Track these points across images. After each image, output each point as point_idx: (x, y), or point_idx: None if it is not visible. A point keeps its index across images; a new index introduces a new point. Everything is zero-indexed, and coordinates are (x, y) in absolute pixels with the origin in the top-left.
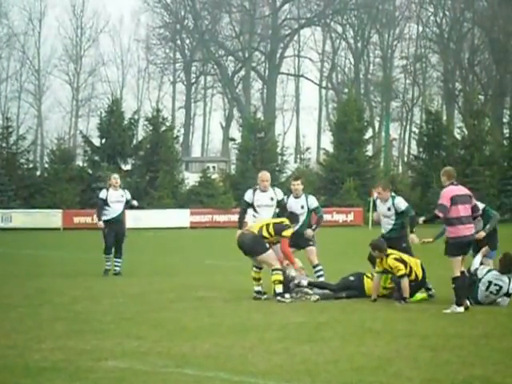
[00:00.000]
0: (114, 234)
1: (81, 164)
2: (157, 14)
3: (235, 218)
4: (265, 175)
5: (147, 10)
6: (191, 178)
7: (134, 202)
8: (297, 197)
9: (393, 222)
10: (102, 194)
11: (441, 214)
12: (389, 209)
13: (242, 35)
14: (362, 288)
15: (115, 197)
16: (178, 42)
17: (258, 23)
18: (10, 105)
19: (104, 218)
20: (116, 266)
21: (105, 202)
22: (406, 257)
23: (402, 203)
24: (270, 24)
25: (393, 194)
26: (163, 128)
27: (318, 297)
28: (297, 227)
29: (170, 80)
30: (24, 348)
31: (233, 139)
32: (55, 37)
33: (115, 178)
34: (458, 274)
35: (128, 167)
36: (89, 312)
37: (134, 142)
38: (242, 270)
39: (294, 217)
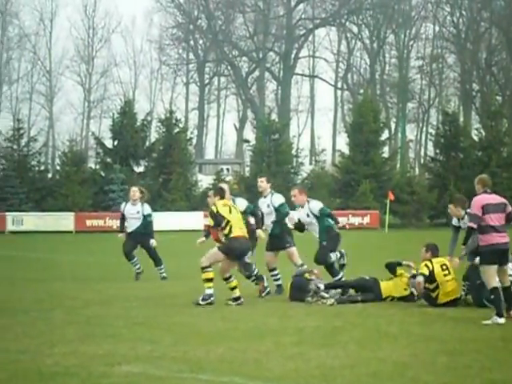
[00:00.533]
0: (133, 243)
1: (93, 166)
2: (170, 14)
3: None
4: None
5: (160, 10)
6: (205, 181)
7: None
8: (265, 196)
9: (317, 229)
10: (122, 207)
11: (474, 225)
12: (307, 215)
13: (256, 35)
14: (378, 290)
15: (131, 212)
16: (192, 42)
17: (273, 23)
18: (21, 106)
19: (126, 229)
20: (159, 272)
21: (123, 215)
22: (447, 272)
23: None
24: (284, 24)
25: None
26: (176, 130)
27: (333, 301)
28: (268, 229)
29: (183, 81)
30: (36, 353)
31: (247, 141)
32: (67, 37)
33: (133, 190)
34: (495, 285)
35: (141, 169)
36: (101, 316)
37: (147, 143)
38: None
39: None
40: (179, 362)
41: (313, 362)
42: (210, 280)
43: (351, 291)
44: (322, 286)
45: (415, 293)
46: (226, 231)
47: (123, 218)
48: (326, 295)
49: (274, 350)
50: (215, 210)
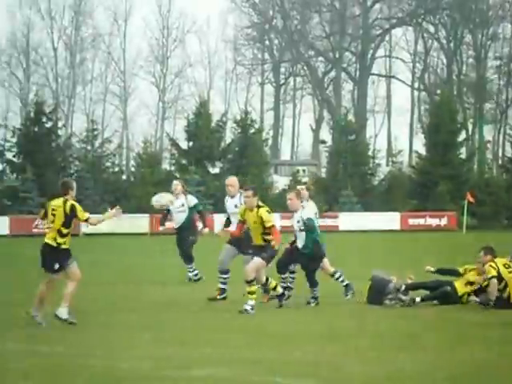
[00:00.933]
0: (179, 241)
1: (168, 167)
2: (245, 14)
3: (326, 222)
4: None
5: (235, 10)
6: (281, 182)
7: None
8: (232, 196)
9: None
10: None
11: None
12: (298, 221)
13: (332, 35)
14: (454, 291)
15: (176, 206)
16: (267, 42)
17: (349, 23)
18: (95, 107)
19: (173, 225)
20: (188, 271)
21: (168, 211)
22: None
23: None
24: (360, 24)
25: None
26: (252, 130)
27: (413, 300)
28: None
29: (258, 81)
30: (111, 357)
31: (323, 142)
32: (141, 37)
33: (175, 184)
34: None
35: (216, 171)
36: (173, 319)
37: (222, 144)
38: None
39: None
40: (252, 364)
41: (390, 366)
42: (254, 292)
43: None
44: (402, 287)
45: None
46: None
47: (166, 213)
48: (403, 297)
49: (350, 353)
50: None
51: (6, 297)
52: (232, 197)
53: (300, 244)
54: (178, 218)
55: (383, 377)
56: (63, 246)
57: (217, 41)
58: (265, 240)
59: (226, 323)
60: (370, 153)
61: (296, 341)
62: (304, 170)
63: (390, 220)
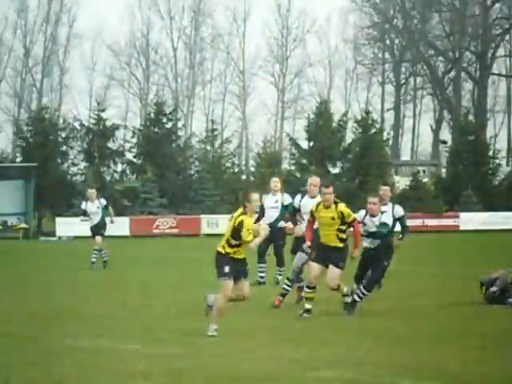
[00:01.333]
0: (268, 241)
1: (288, 167)
2: (365, 13)
3: (446, 222)
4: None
5: (355, 10)
6: (401, 182)
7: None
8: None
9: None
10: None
11: None
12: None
13: (452, 35)
14: None
15: (269, 203)
16: (387, 41)
17: (469, 22)
18: (214, 107)
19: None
20: (277, 274)
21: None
22: None
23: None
24: (480, 23)
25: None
26: (373, 130)
27: None
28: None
29: (378, 81)
30: (234, 358)
31: (443, 142)
32: (260, 37)
33: (274, 181)
34: None
35: (336, 170)
36: (297, 321)
37: (343, 144)
38: (449, 276)
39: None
40: (380, 366)
41: (497, 366)
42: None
43: None
44: None
45: None
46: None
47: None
48: None
49: (458, 352)
50: None
51: (124, 297)
52: (313, 197)
53: (371, 244)
54: (270, 215)
55: (491, 377)
56: (233, 256)
57: (337, 40)
58: (340, 239)
59: (346, 324)
60: (490, 153)
61: (425, 342)
62: (424, 171)
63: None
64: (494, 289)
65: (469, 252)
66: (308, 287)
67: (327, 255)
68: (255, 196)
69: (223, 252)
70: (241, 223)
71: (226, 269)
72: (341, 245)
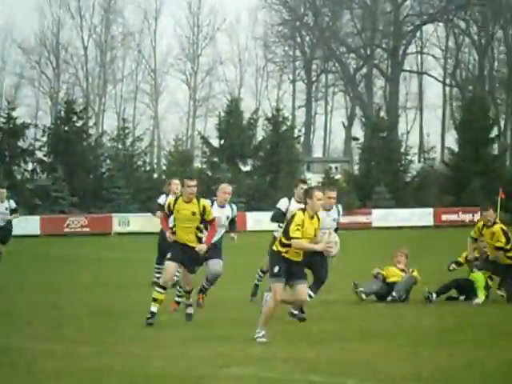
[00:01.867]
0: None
1: (199, 166)
2: (275, 11)
3: (359, 219)
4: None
5: (265, 7)
6: (313, 179)
7: None
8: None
9: None
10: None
11: None
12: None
13: (363, 32)
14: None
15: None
16: (298, 39)
17: (380, 20)
18: (125, 106)
19: None
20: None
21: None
22: None
23: None
24: (391, 20)
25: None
26: (283, 128)
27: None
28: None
29: (289, 78)
30: (145, 356)
31: (356, 139)
32: (171, 35)
33: (175, 184)
34: None
35: (248, 168)
36: (209, 319)
37: (254, 142)
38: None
39: None
40: (290, 363)
41: (428, 363)
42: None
43: None
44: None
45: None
46: None
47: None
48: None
49: (388, 350)
50: None
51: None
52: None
53: None
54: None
55: (420, 374)
56: (284, 255)
57: (247, 38)
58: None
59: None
60: (402, 149)
61: (334, 339)
62: (336, 168)
63: (423, 216)
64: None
65: (380, 248)
66: (162, 287)
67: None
68: (319, 194)
69: (275, 250)
70: (293, 216)
71: (276, 269)
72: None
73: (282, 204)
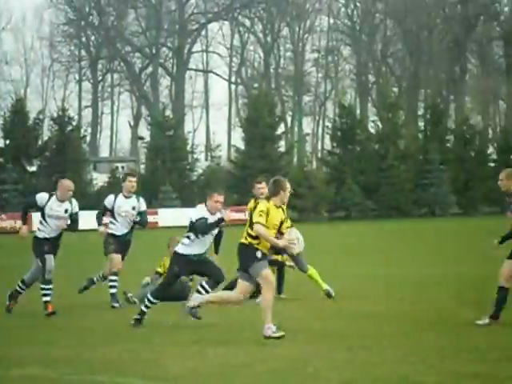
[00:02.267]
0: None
1: None
2: (60, 10)
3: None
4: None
5: (51, 7)
6: (100, 179)
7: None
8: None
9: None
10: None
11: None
12: None
13: (148, 31)
14: None
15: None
16: (83, 39)
17: (165, 18)
18: None
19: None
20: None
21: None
22: None
23: None
24: (176, 19)
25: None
26: (69, 128)
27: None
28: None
29: (75, 78)
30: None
31: (141, 138)
32: None
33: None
34: None
35: (33, 169)
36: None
37: (40, 142)
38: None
39: None
40: (75, 363)
41: (211, 361)
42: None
43: None
44: None
45: None
46: None
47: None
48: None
49: (172, 348)
50: None
51: None
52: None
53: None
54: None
55: (203, 371)
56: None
57: (33, 38)
58: None
59: (54, 322)
60: (188, 148)
61: (118, 339)
62: (123, 167)
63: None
64: None
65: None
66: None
67: None
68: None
69: (246, 243)
70: (256, 205)
71: (259, 254)
72: None
73: (107, 200)
